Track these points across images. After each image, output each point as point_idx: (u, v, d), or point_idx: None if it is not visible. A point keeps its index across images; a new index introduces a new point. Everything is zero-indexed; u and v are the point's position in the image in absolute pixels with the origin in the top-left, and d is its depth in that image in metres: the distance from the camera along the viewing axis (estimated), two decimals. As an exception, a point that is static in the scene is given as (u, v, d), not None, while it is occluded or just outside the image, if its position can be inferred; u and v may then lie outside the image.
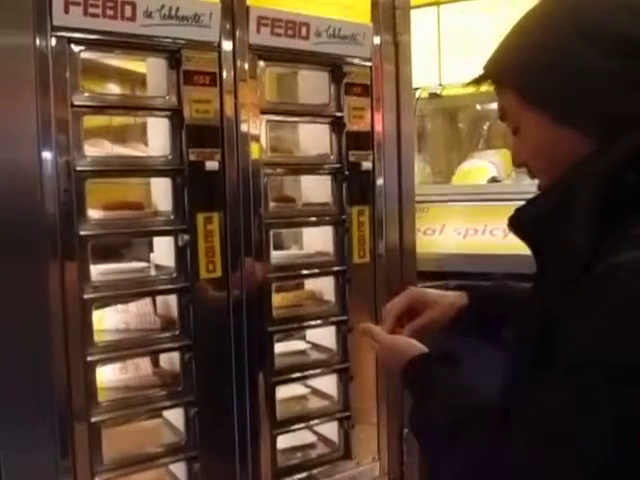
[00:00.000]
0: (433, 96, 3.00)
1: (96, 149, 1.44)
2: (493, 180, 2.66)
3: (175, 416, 1.47)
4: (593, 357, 0.69)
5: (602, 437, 0.68)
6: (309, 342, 1.76)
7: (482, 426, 0.84)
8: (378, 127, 1.68)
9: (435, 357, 1.09)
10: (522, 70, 0.85)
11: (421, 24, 3.11)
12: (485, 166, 2.84)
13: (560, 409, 0.71)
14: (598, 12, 0.80)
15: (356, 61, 1.63)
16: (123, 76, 1.73)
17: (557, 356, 0.73)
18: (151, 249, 1.57)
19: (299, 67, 1.65)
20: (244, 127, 1.45)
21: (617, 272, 0.70)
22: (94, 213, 1.36)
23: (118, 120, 1.75)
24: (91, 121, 1.62)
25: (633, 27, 0.78)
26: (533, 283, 0.88)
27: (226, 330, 1.44)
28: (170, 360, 1.49)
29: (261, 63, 1.49)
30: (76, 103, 1.23)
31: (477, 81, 0.94)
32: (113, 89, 1.78)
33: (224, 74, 1.42)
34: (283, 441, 1.60)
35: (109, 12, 1.24)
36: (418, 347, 1.13)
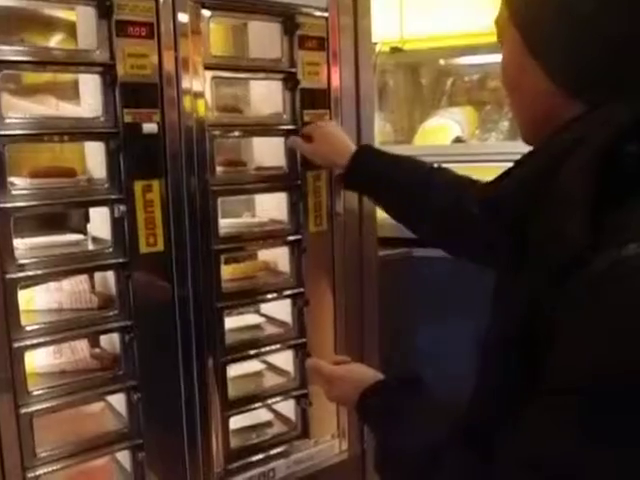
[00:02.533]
0: (394, 50, 2.86)
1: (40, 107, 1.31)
2: (457, 140, 2.56)
3: (118, 401, 1.36)
4: (594, 380, 0.57)
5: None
6: (263, 315, 1.66)
7: (454, 461, 0.73)
8: (335, 83, 1.55)
9: (392, 383, 0.99)
10: None
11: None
12: (448, 124, 2.73)
13: (557, 444, 0.59)
14: None
15: (311, 11, 1.49)
16: (70, 28, 1.56)
17: (548, 375, 0.60)
18: (87, 219, 1.43)
19: (247, 17, 1.50)
20: (186, 84, 1.31)
21: (622, 270, 0.57)
22: (18, 181, 1.22)
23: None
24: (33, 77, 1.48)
25: None
26: (503, 273, 0.77)
27: (170, 308, 1.32)
28: (110, 341, 1.37)
29: (205, 13, 1.34)
30: (-13, 57, 1.08)
31: None
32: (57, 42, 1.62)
33: (162, 25, 1.26)
34: (237, 421, 1.51)
35: (23, -49, 1.07)
36: (372, 375, 1.04)
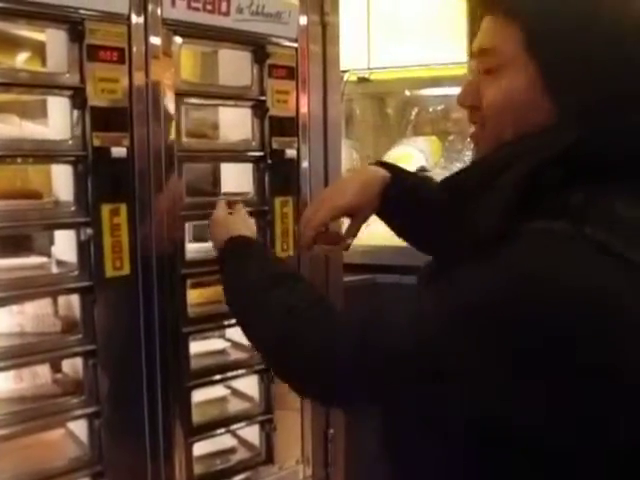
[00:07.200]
0: (361, 80, 2.91)
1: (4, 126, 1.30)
2: (421, 170, 2.60)
3: (79, 428, 1.34)
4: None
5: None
6: (228, 340, 1.65)
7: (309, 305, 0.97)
8: (303, 111, 1.58)
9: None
10: (546, 17, 0.72)
11: (350, 5, 3.00)
12: (412, 153, 2.77)
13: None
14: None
15: (281, 41, 1.51)
16: (36, 47, 1.55)
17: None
18: (52, 242, 1.42)
19: (219, 46, 1.51)
20: (156, 109, 1.31)
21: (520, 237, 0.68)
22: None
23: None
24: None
25: None
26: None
27: (135, 333, 1.31)
28: (73, 366, 1.35)
29: (177, 40, 1.35)
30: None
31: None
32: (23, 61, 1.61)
33: (134, 50, 1.28)
34: (201, 447, 1.49)
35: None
36: (249, 228, 1.32)
